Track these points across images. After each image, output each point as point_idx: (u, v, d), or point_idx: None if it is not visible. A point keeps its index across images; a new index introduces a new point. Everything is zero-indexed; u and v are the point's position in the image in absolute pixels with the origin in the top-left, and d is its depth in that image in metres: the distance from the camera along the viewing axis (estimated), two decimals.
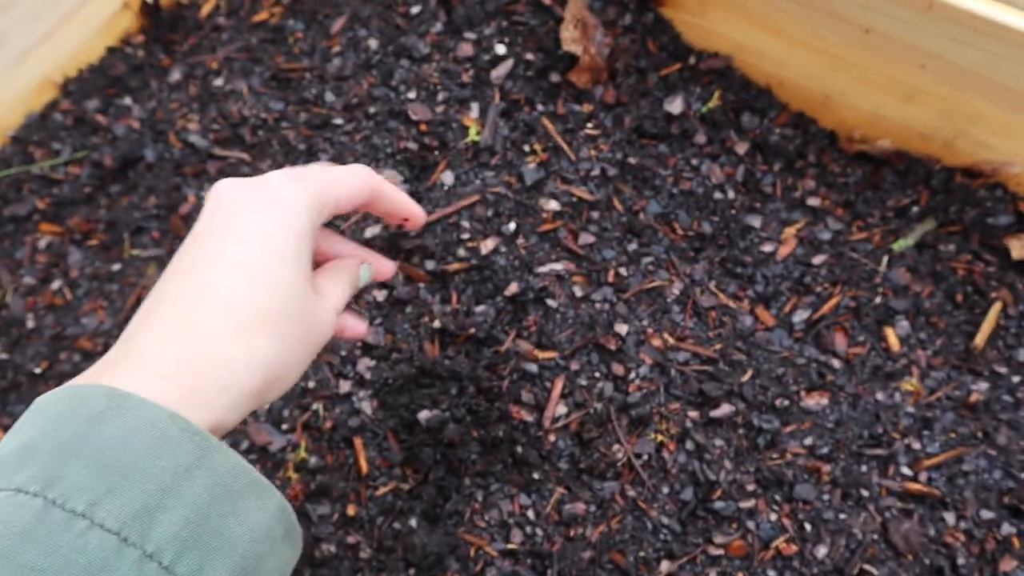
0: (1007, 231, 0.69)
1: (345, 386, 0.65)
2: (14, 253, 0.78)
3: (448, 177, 0.71)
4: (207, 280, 0.35)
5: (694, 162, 0.73)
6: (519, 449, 0.61)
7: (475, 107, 0.74)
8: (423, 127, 0.74)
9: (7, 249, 0.78)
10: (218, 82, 0.82)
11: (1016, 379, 0.65)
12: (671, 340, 0.64)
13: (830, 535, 0.59)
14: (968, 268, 0.69)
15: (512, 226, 0.68)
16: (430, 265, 0.68)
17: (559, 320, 0.65)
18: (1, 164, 0.82)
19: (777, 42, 0.72)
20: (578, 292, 0.66)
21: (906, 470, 0.61)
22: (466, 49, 0.77)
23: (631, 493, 0.60)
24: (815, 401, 0.63)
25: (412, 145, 0.74)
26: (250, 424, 0.65)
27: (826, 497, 0.60)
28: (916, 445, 0.62)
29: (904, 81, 0.68)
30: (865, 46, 0.67)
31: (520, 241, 0.68)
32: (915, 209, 0.71)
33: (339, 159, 0.74)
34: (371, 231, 0.70)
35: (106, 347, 0.71)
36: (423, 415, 0.62)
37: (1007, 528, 0.59)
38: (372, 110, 0.76)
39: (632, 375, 0.63)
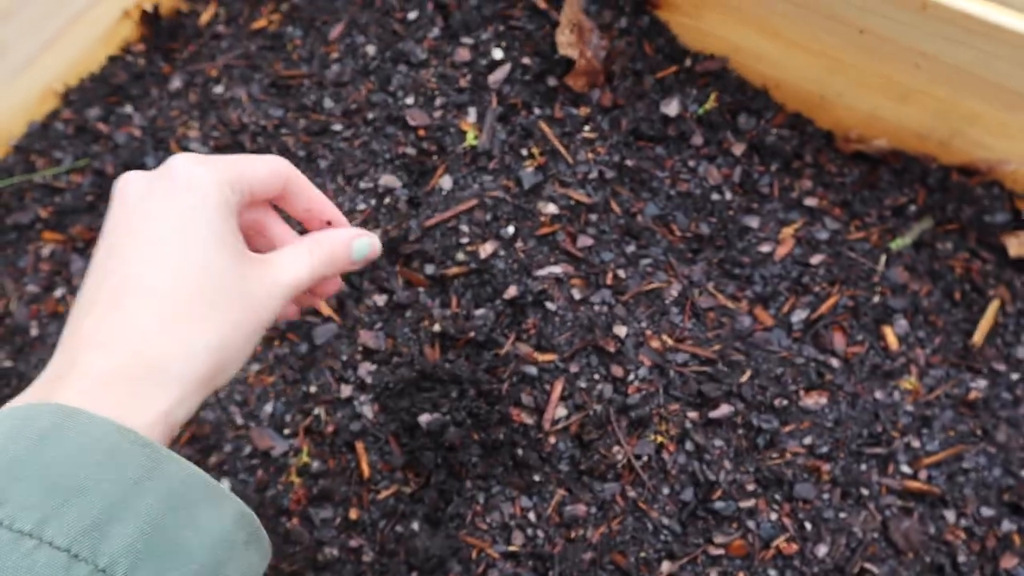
0: (1004, 229, 0.69)
1: (346, 390, 0.66)
2: (17, 261, 0.78)
3: (447, 182, 0.72)
4: (128, 279, 0.34)
5: (691, 164, 0.73)
6: (520, 451, 0.61)
7: (473, 112, 0.75)
8: (421, 132, 0.75)
9: (10, 257, 0.78)
10: (218, 89, 0.83)
11: (1015, 376, 0.65)
12: (670, 341, 0.65)
13: (830, 534, 0.59)
14: (966, 266, 0.69)
15: (511, 230, 0.69)
16: (429, 269, 0.68)
17: (558, 323, 0.65)
18: (4, 173, 0.83)
19: (773, 44, 0.73)
20: (577, 294, 0.66)
21: (906, 468, 0.61)
22: (463, 54, 0.77)
23: (631, 494, 0.60)
24: (814, 400, 0.63)
25: (410, 150, 0.74)
26: (252, 429, 0.66)
27: (826, 496, 0.60)
28: (916, 443, 0.62)
29: (900, 81, 0.68)
30: (860, 47, 0.68)
31: (519, 244, 0.68)
32: (912, 208, 0.71)
33: (338, 165, 0.75)
34: None
35: None
36: (424, 419, 0.62)
37: (1007, 525, 0.59)
38: (370, 116, 0.76)
39: (631, 376, 0.63)
